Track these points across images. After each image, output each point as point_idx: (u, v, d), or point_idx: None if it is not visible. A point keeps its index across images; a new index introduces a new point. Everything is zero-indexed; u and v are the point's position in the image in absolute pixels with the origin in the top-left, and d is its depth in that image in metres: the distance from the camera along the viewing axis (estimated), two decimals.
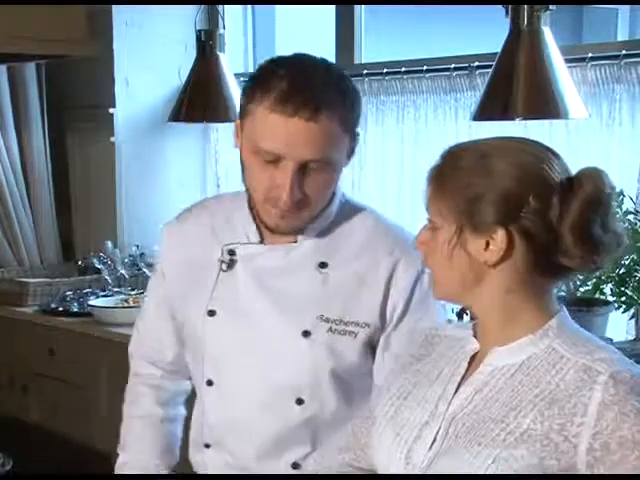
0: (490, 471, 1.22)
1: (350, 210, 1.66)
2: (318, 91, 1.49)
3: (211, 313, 1.65)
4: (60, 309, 3.65)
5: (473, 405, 1.30)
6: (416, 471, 1.30)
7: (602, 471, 1.21)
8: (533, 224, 1.26)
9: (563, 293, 2.76)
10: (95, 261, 3.84)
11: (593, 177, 1.28)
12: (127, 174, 3.99)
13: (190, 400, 1.84)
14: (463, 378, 1.34)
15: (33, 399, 3.67)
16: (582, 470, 1.22)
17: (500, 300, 1.31)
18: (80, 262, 4.02)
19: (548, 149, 1.33)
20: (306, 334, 1.59)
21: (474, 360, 1.36)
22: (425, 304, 1.61)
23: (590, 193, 1.26)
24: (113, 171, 3.98)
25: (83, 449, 3.36)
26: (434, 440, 1.30)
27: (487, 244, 1.28)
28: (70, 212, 4.26)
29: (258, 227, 1.64)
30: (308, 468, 1.63)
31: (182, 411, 1.87)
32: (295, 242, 1.63)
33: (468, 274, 1.31)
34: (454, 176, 1.30)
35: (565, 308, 1.36)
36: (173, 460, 1.83)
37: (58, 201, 4.20)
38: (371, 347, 1.63)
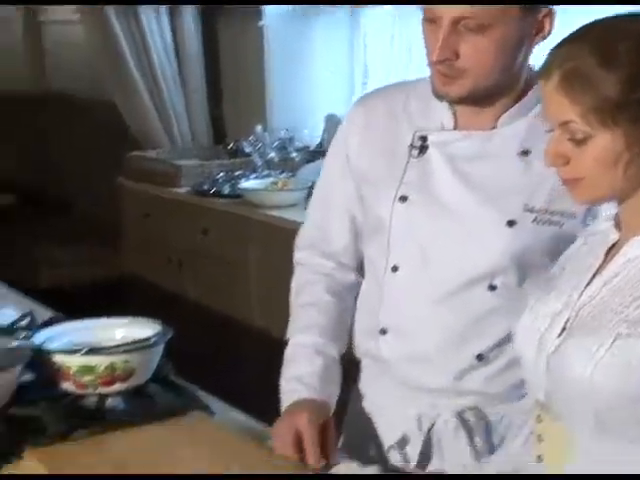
0: (604, 359, 1.22)
1: None
2: None
3: (403, 199, 1.61)
4: (212, 191, 3.75)
5: (600, 296, 1.29)
6: (544, 357, 1.32)
7: None
8: None
9: None
10: (245, 144, 3.93)
11: None
12: (276, 59, 4.03)
13: None
14: (599, 269, 1.34)
15: (188, 276, 3.84)
16: None
17: None
18: (230, 145, 4.11)
19: None
20: (511, 224, 1.55)
21: (613, 251, 1.35)
22: None
23: None
24: (262, 55, 4.03)
25: (236, 324, 3.53)
26: (563, 329, 1.32)
27: None
28: (221, 96, 4.36)
29: (454, 113, 1.61)
30: (493, 362, 1.60)
31: (351, 304, 1.76)
32: (493, 129, 1.59)
33: (634, 167, 1.24)
34: (607, 72, 1.21)
35: None
36: (343, 347, 1.74)
37: (209, 85, 4.29)
38: (571, 242, 1.54)
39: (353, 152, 1.71)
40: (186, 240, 3.83)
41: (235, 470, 1.44)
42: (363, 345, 1.73)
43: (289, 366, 1.70)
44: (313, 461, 1.50)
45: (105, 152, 4.55)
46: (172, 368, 1.85)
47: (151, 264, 4.06)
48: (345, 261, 1.77)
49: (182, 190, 3.89)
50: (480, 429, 1.63)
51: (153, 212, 4.03)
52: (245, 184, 3.66)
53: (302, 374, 1.66)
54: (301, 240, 1.84)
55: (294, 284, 1.82)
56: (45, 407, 1.67)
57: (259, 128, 3.94)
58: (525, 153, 1.57)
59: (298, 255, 1.83)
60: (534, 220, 1.56)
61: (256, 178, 3.76)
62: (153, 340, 1.74)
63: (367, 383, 1.74)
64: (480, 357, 1.60)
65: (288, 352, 1.73)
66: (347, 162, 1.72)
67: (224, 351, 3.53)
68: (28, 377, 1.71)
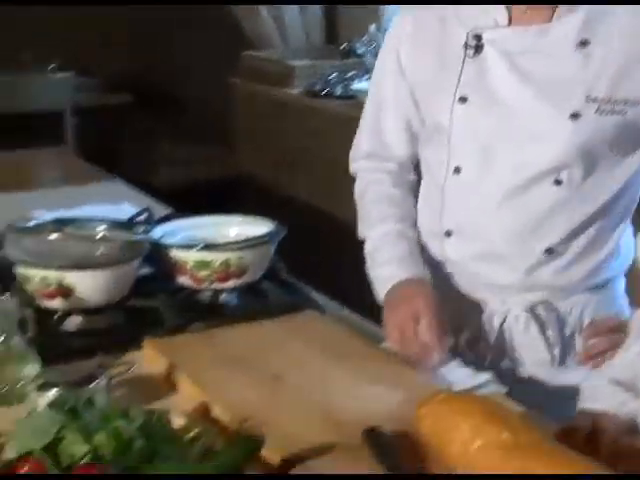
0: None
1: None
2: None
3: (462, 100, 1.60)
4: (324, 92, 3.74)
5: None
6: None
7: None
8: None
9: None
10: (358, 45, 3.88)
11: None
12: None
13: None
14: None
15: (300, 176, 3.87)
16: None
17: None
18: (343, 46, 4.07)
19: None
20: (574, 116, 1.53)
21: None
22: None
23: None
24: None
25: (344, 226, 3.54)
26: None
27: None
28: None
29: (508, 10, 1.58)
30: (563, 255, 1.61)
31: (415, 202, 1.76)
32: (548, 22, 1.56)
33: None
34: None
35: None
36: (416, 234, 1.73)
37: None
38: (636, 130, 1.57)
39: (405, 53, 1.70)
40: (298, 141, 3.84)
41: (348, 366, 1.46)
42: (428, 248, 1.73)
43: (374, 257, 1.72)
44: (436, 347, 1.51)
45: (220, 52, 4.56)
46: (284, 267, 1.88)
47: (264, 164, 4.09)
48: (405, 161, 1.77)
49: (295, 91, 3.88)
50: (552, 321, 1.64)
51: (266, 112, 4.04)
52: (358, 85, 3.63)
53: (391, 257, 1.68)
54: (356, 152, 1.83)
55: (357, 189, 1.83)
56: (163, 299, 1.73)
57: (373, 28, 3.88)
58: (584, 44, 1.54)
59: (355, 165, 1.84)
60: (597, 110, 1.53)
61: (368, 79, 3.71)
62: (267, 238, 1.77)
63: (435, 284, 1.73)
64: (549, 251, 1.60)
65: (368, 247, 1.75)
66: (399, 63, 1.70)
67: (333, 252, 3.55)
68: (147, 270, 1.76)
